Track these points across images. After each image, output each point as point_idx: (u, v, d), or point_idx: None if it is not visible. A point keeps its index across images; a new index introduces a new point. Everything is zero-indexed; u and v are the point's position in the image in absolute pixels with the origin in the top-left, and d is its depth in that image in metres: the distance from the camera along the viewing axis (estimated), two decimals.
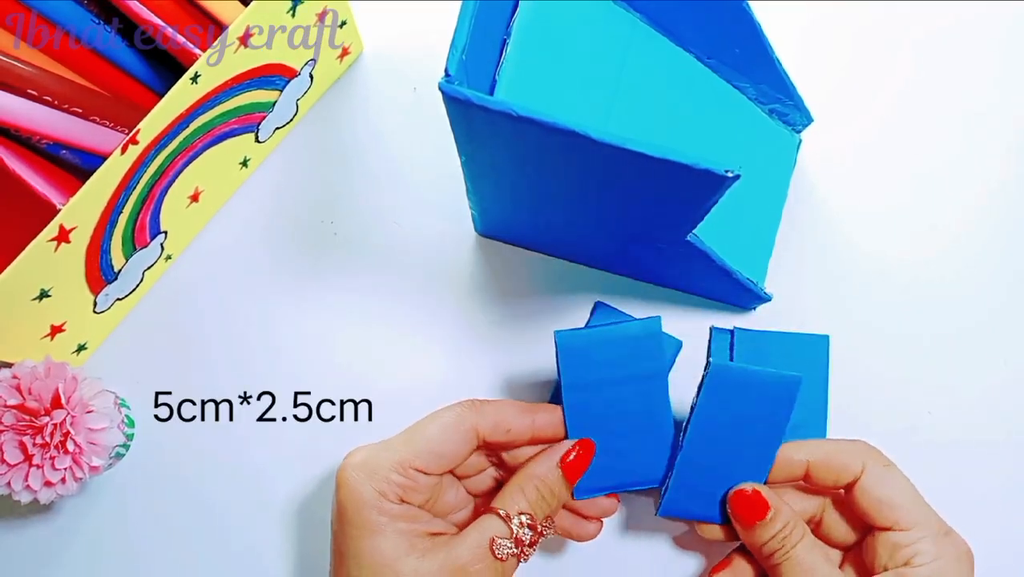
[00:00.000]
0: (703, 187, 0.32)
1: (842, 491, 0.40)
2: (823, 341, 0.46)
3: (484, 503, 0.42)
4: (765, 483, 0.40)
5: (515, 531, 0.37)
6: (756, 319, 0.48)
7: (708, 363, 0.39)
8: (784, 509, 0.39)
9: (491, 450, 0.41)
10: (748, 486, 0.39)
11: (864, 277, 0.49)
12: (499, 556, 0.36)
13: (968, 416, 0.47)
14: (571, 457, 0.39)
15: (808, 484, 0.40)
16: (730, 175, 0.31)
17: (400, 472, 0.37)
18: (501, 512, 0.37)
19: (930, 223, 0.49)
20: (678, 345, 0.46)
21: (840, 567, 0.41)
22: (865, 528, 0.40)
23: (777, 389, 0.39)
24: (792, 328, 0.47)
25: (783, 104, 0.47)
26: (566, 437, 0.40)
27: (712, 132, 0.46)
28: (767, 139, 0.48)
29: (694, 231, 0.39)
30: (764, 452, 0.40)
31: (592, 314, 0.47)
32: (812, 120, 0.48)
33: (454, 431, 0.38)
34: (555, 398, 0.46)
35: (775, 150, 0.48)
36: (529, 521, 0.37)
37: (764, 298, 0.47)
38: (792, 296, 0.48)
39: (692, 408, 0.40)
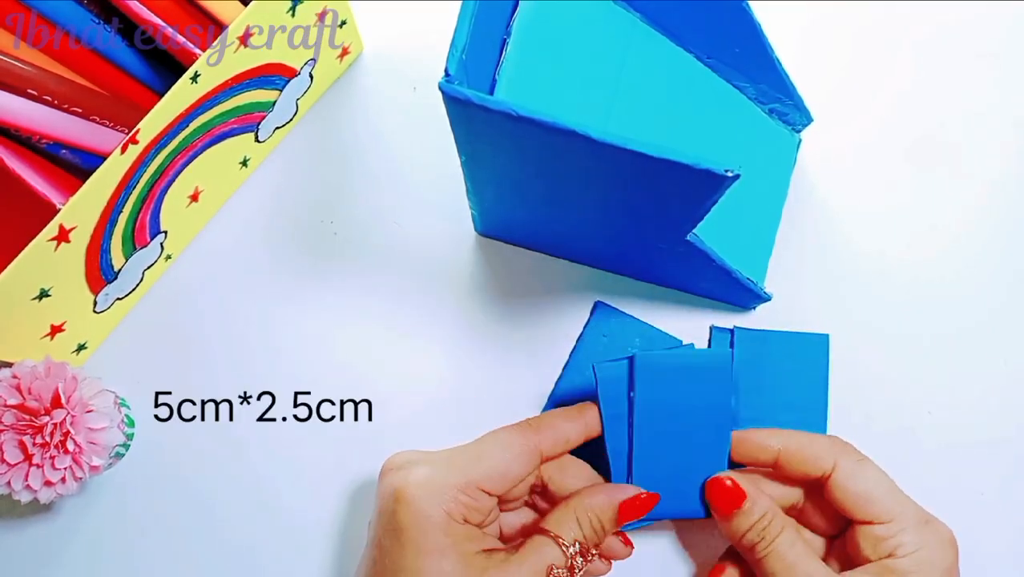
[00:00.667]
0: (703, 187, 0.32)
1: (814, 484, 0.40)
2: (823, 340, 0.46)
3: (508, 523, 0.42)
4: (730, 468, 0.40)
5: (570, 558, 0.37)
6: (756, 319, 0.48)
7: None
8: (762, 499, 0.39)
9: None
10: (725, 476, 0.39)
11: (864, 277, 0.49)
12: None
13: (968, 416, 0.47)
14: (635, 502, 0.39)
15: (777, 473, 0.40)
16: (730, 175, 0.31)
17: (468, 493, 0.37)
18: (560, 539, 0.37)
19: (930, 223, 0.49)
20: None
21: (824, 557, 0.41)
22: (845, 520, 0.40)
23: (709, 370, 0.39)
24: (792, 328, 0.47)
25: (783, 104, 0.47)
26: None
27: (712, 132, 0.46)
28: (767, 139, 0.48)
29: (694, 231, 0.39)
30: (718, 437, 0.40)
31: (592, 314, 0.47)
32: (812, 120, 0.48)
33: (520, 452, 0.38)
34: (560, 400, 0.46)
35: (775, 150, 0.48)
36: (581, 549, 0.38)
37: (764, 298, 0.47)
38: (792, 296, 0.48)
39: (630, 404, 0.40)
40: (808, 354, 0.46)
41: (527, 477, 0.39)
